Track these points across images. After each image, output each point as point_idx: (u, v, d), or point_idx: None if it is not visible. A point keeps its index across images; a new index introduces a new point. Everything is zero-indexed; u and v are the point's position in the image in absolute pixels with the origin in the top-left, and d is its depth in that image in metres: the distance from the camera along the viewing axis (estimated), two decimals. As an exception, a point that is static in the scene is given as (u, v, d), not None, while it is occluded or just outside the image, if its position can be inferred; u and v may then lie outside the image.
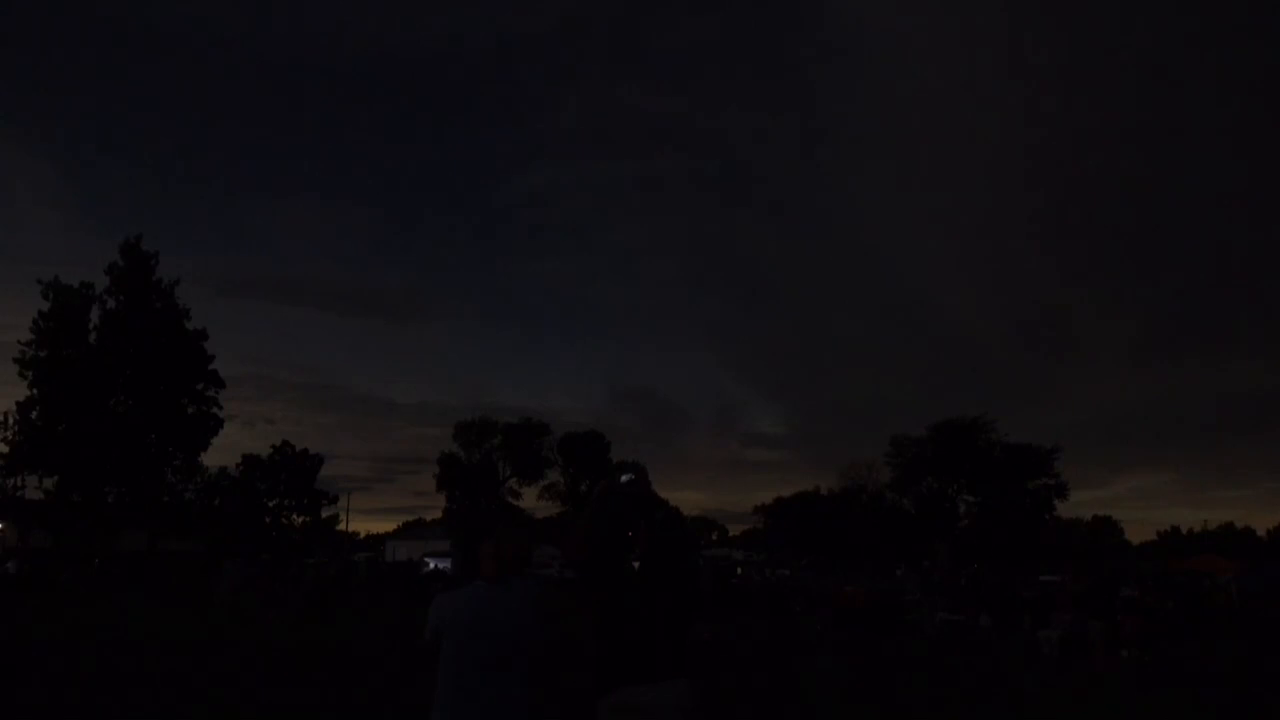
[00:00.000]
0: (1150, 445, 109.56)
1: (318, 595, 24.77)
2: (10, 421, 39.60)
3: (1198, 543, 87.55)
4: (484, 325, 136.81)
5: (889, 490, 66.80)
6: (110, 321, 40.52)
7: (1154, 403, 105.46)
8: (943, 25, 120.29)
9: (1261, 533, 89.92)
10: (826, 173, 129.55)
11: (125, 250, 41.54)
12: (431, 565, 44.20)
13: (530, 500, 71.44)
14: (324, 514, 63.19)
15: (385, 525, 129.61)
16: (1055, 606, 17.54)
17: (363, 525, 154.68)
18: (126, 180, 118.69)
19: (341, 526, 68.90)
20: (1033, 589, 24.47)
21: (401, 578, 34.04)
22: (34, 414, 39.30)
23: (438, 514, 76.70)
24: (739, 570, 42.71)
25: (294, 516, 60.56)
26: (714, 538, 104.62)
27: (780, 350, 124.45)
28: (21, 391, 39.51)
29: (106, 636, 13.75)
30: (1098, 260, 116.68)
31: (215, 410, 43.68)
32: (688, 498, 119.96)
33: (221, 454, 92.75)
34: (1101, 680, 11.53)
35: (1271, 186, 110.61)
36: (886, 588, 22.75)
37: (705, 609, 21.27)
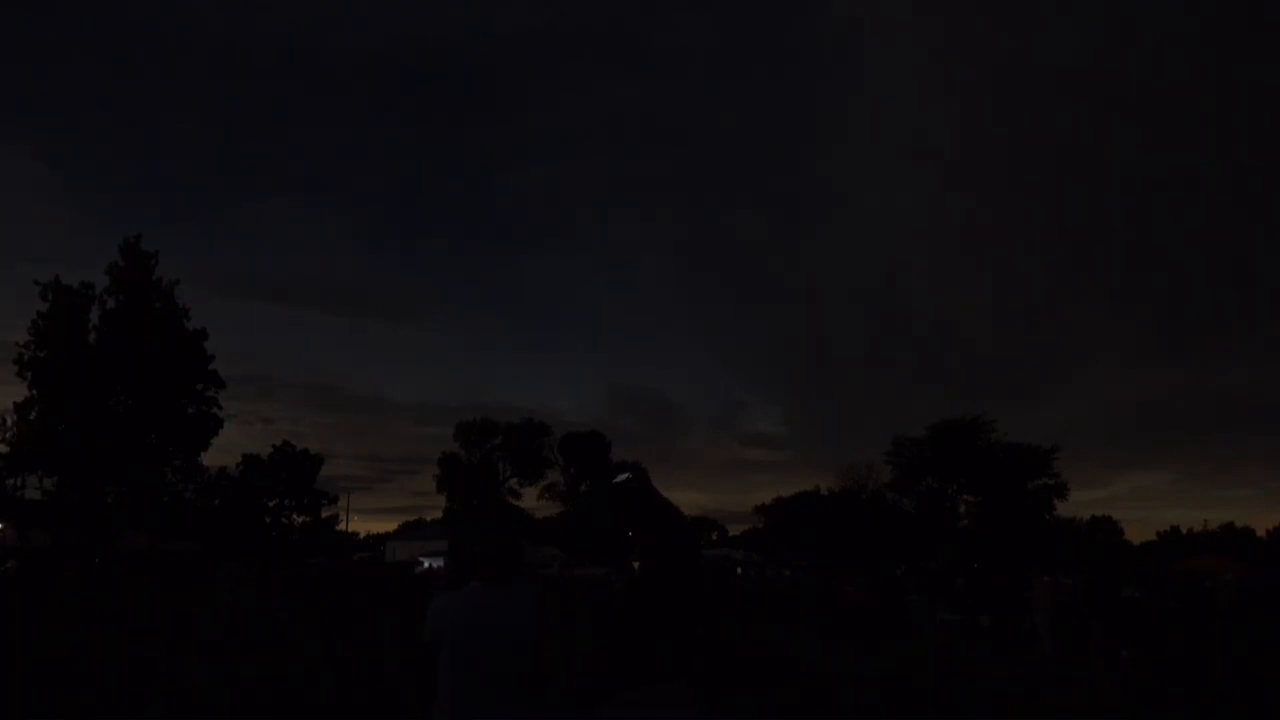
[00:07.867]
0: (1150, 445, 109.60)
1: (316, 595, 24.76)
2: (10, 422, 39.66)
3: (1198, 543, 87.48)
4: (484, 325, 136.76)
5: (889, 490, 66.85)
6: (110, 321, 40.55)
7: (1154, 403, 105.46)
8: (944, 22, 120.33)
9: (1261, 533, 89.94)
10: (826, 172, 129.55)
11: (125, 250, 41.58)
12: (425, 564, 44.24)
13: (530, 500, 71.66)
14: (324, 514, 63.35)
15: (385, 525, 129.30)
16: (1055, 605, 17.46)
17: (363, 525, 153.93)
18: (126, 180, 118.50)
19: (341, 527, 69.08)
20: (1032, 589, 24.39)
21: (398, 578, 33.98)
22: (33, 414, 39.32)
23: (438, 514, 76.90)
24: (739, 570, 42.71)
25: (294, 516, 60.70)
26: (714, 538, 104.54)
27: (780, 350, 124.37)
28: (21, 391, 39.61)
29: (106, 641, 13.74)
30: (1098, 260, 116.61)
31: (215, 410, 43.78)
32: (688, 498, 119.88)
33: (221, 454, 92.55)
34: (1102, 680, 11.51)
35: (1272, 185, 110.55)
36: (886, 588, 22.73)
37: (705, 609, 21.27)
